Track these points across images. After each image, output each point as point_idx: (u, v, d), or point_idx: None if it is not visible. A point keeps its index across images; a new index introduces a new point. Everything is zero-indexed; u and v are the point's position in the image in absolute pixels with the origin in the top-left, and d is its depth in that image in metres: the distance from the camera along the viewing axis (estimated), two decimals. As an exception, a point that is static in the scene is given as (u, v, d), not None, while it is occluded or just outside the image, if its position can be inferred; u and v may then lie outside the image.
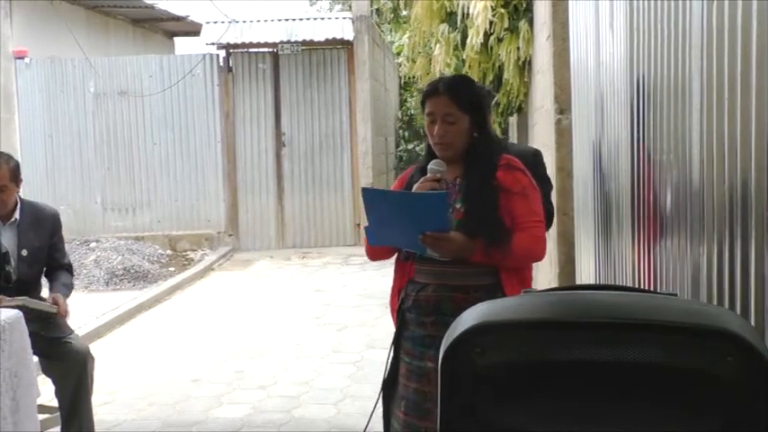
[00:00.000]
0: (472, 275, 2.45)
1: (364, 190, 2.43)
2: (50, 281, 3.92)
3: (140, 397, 4.91)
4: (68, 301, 3.85)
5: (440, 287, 2.47)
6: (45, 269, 3.91)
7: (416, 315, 2.50)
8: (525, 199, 2.49)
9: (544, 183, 3.42)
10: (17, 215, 3.75)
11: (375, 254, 2.68)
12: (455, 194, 2.51)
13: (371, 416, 2.56)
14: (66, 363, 3.66)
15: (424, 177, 2.47)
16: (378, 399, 2.57)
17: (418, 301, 2.50)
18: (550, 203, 3.49)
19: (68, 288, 3.91)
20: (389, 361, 2.55)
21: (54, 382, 3.73)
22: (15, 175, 3.70)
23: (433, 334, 2.41)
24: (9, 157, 3.73)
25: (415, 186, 2.46)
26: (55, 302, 3.70)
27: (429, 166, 2.49)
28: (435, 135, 2.51)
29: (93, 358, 3.81)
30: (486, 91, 3.74)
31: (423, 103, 2.58)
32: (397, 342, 2.57)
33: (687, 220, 2.25)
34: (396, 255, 2.63)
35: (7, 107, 10.08)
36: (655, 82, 2.60)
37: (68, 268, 4.00)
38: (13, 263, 3.70)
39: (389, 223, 2.44)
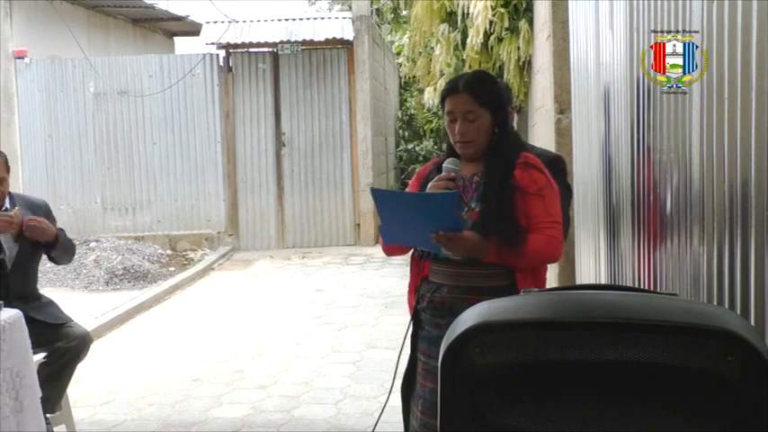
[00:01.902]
0: (486, 277, 2.41)
1: (373, 190, 2.40)
2: None
3: (140, 397, 4.91)
4: (59, 296, 3.88)
5: (454, 289, 2.44)
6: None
7: (431, 316, 2.49)
8: (542, 200, 2.43)
9: (565, 191, 3.19)
10: (7, 204, 3.79)
11: (391, 250, 2.64)
12: (472, 192, 2.47)
13: (381, 413, 2.55)
14: (65, 343, 3.74)
15: (438, 176, 2.44)
16: (387, 397, 2.54)
17: (433, 302, 2.48)
18: (566, 214, 3.19)
19: (69, 242, 3.93)
20: (400, 358, 2.53)
21: (46, 355, 3.78)
22: (8, 167, 3.78)
23: None
24: None
25: (429, 185, 2.43)
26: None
27: (444, 165, 2.46)
28: (456, 133, 2.47)
29: (89, 345, 3.87)
30: (504, 86, 3.62)
31: (442, 102, 2.54)
32: (414, 341, 2.56)
33: (687, 220, 2.25)
34: (411, 252, 2.61)
35: (7, 107, 10.08)
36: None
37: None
38: (7, 252, 3.71)
39: (402, 223, 2.43)
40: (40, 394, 3.30)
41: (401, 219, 2.41)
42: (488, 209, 2.40)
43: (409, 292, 2.63)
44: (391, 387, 2.54)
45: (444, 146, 2.68)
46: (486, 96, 2.48)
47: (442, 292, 2.46)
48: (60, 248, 3.85)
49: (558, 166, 3.28)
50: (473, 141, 2.47)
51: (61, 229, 3.90)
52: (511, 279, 2.41)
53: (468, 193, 2.47)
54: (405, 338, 2.58)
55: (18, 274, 3.73)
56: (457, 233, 2.31)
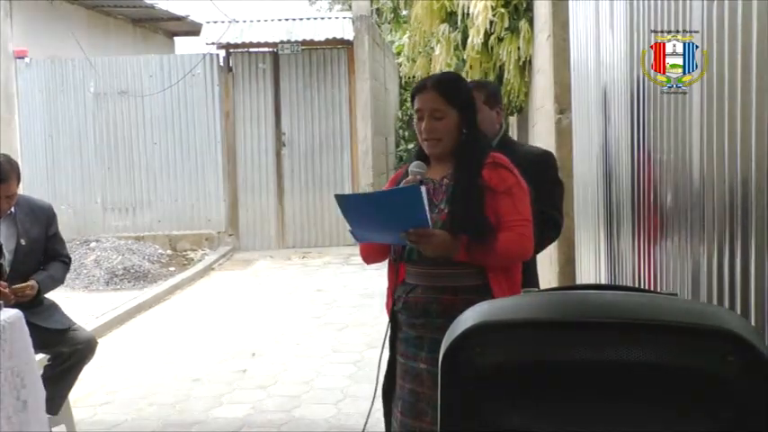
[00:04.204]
0: (459, 276, 2.42)
1: (338, 197, 2.38)
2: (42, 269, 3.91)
3: (140, 397, 4.91)
4: (59, 296, 3.85)
5: (428, 289, 2.45)
6: (43, 260, 3.90)
7: (407, 317, 2.50)
8: (510, 198, 2.44)
9: (554, 186, 3.17)
10: (13, 208, 3.77)
11: (369, 256, 2.66)
12: (442, 195, 2.47)
13: (368, 417, 2.56)
14: (70, 347, 3.72)
15: (404, 180, 2.46)
16: (373, 399, 2.56)
17: (408, 302, 2.49)
18: (557, 209, 3.15)
19: (53, 279, 3.89)
20: (383, 360, 2.55)
21: (49, 358, 3.77)
22: (19, 178, 3.75)
23: (423, 335, 2.43)
24: (11, 160, 3.76)
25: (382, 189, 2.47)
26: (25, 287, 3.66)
27: (410, 168, 2.47)
28: (423, 131, 2.48)
29: (94, 350, 3.85)
30: (494, 86, 3.59)
31: (412, 102, 2.55)
32: (393, 343, 2.57)
33: (687, 220, 2.25)
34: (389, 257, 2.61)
35: (7, 107, 10.08)
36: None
37: (66, 260, 4.02)
38: (7, 256, 3.71)
39: (369, 224, 2.43)
40: (43, 394, 3.29)
41: (370, 220, 2.42)
42: (458, 208, 2.41)
43: (387, 296, 2.63)
44: (375, 388, 2.56)
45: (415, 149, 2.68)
46: (453, 95, 2.49)
47: (417, 293, 2.47)
48: (43, 292, 3.82)
49: (547, 162, 3.25)
50: (440, 140, 2.48)
51: (50, 275, 3.85)
52: (484, 278, 2.41)
53: (438, 196, 2.47)
54: (384, 341, 2.58)
55: (18, 280, 3.70)
56: (427, 230, 2.32)
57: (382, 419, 2.68)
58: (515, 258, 2.50)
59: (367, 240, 2.57)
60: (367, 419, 2.56)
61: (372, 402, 2.57)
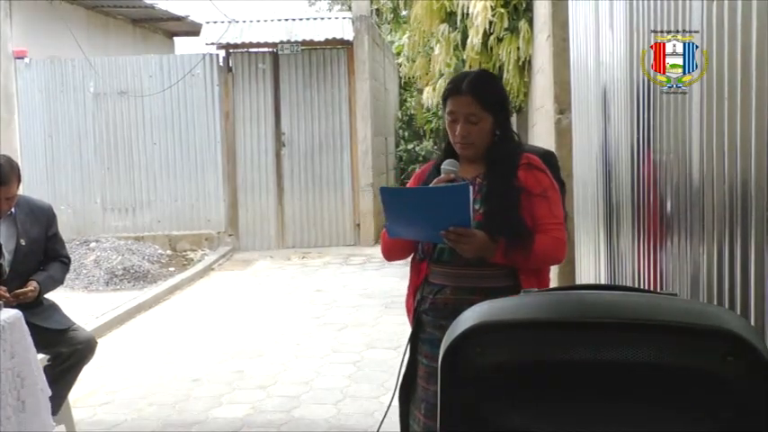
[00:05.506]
0: (490, 277, 2.39)
1: (383, 189, 2.36)
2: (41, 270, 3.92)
3: (140, 397, 4.91)
4: (59, 296, 3.86)
5: (457, 290, 2.41)
6: (43, 260, 3.91)
7: (434, 318, 2.45)
8: (546, 201, 2.42)
9: (559, 187, 3.25)
10: (13, 209, 3.78)
11: (391, 254, 2.62)
12: (474, 194, 2.42)
13: (385, 416, 2.53)
14: (69, 348, 3.73)
15: (437, 178, 2.42)
16: (392, 398, 2.53)
17: (436, 303, 2.44)
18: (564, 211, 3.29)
19: (53, 280, 3.90)
20: (405, 361, 2.51)
21: (49, 358, 3.78)
22: (19, 179, 3.76)
23: None
24: (12, 162, 3.76)
25: (429, 186, 2.41)
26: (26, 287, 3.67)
27: (443, 166, 2.43)
28: (457, 135, 2.44)
29: (94, 350, 3.85)
30: None
31: (444, 101, 2.51)
32: (414, 343, 2.52)
33: (687, 220, 2.25)
34: (411, 255, 2.58)
35: (7, 107, 10.08)
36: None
37: (65, 260, 4.03)
38: (7, 256, 3.71)
39: (409, 220, 2.39)
40: (49, 393, 3.29)
41: (409, 216, 2.38)
42: (494, 209, 2.37)
43: (408, 294, 2.59)
44: (395, 388, 2.54)
45: (443, 145, 2.65)
46: (489, 99, 2.45)
47: (445, 294, 2.43)
48: (43, 292, 3.83)
49: (550, 161, 3.26)
50: (473, 144, 2.45)
51: (49, 276, 3.86)
52: (514, 279, 2.38)
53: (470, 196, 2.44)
54: (408, 343, 2.54)
55: (17, 280, 3.71)
56: (467, 230, 2.28)
57: (380, 419, 2.67)
58: (550, 262, 2.50)
59: (400, 236, 2.50)
60: (384, 417, 2.53)
61: (390, 402, 2.53)
